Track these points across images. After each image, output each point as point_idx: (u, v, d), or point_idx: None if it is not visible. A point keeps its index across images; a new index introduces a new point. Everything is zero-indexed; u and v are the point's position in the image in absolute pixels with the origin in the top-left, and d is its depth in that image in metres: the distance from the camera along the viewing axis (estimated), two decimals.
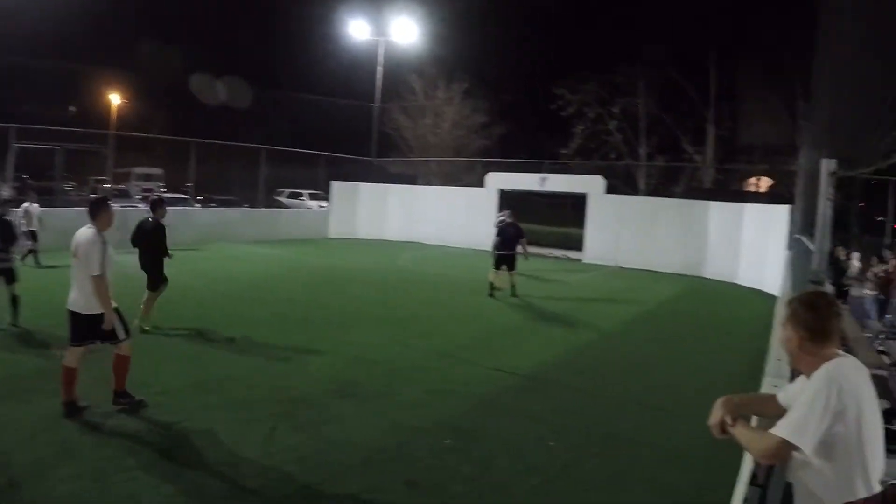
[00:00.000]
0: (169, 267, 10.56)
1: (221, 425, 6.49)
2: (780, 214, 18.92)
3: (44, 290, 11.71)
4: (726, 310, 16.33)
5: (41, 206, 16.69)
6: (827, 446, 2.54)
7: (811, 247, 5.35)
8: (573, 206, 29.82)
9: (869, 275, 15.98)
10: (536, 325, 12.86)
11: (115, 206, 7.74)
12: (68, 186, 30.41)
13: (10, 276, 9.98)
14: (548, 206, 32.08)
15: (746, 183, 36.35)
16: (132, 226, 10.39)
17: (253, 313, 12.05)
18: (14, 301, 9.90)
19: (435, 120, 39.32)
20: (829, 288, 4.77)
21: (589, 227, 25.45)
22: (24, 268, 12.59)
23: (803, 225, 10.06)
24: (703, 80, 34.65)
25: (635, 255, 23.69)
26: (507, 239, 15.57)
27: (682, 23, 33.55)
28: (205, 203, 30.98)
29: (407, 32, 34.86)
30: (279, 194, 38.19)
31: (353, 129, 35.76)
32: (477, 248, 26.32)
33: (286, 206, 35.55)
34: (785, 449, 2.56)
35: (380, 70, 34.47)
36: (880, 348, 6.17)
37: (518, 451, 6.37)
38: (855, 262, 16.77)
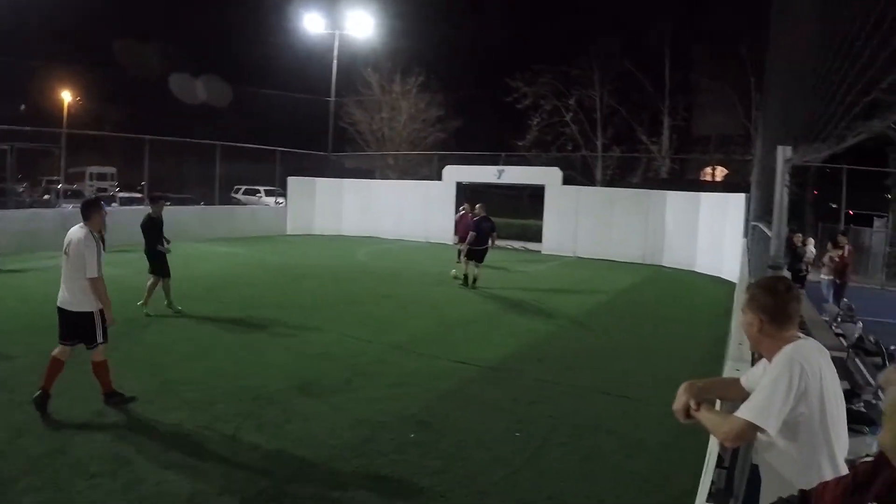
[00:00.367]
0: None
1: (185, 427, 6.40)
2: (736, 203, 19.21)
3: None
4: (686, 297, 16.56)
5: None
6: (791, 427, 2.56)
7: (768, 233, 5.41)
8: (531, 198, 30.03)
9: (825, 259, 16.28)
10: (497, 317, 12.88)
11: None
12: (20, 188, 29.77)
13: None
14: (505, 199, 32.22)
15: (703, 173, 36.81)
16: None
17: (211, 313, 11.89)
18: None
19: (391, 113, 39.15)
20: (786, 273, 4.83)
21: (547, 219, 25.64)
22: None
23: (760, 212, 10.20)
24: (658, 71, 34.96)
25: (594, 246, 23.90)
26: (484, 233, 15.67)
27: (637, 14, 33.88)
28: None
29: (362, 26, 34.68)
30: (236, 191, 37.70)
31: (309, 124, 35.46)
32: (435, 240, 26.41)
33: (243, 203, 35.14)
34: (749, 431, 2.58)
35: (335, 64, 34.22)
36: (838, 331, 6.28)
37: (484, 442, 6.37)
38: (811, 248, 17.08)
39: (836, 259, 15.76)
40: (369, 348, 9.87)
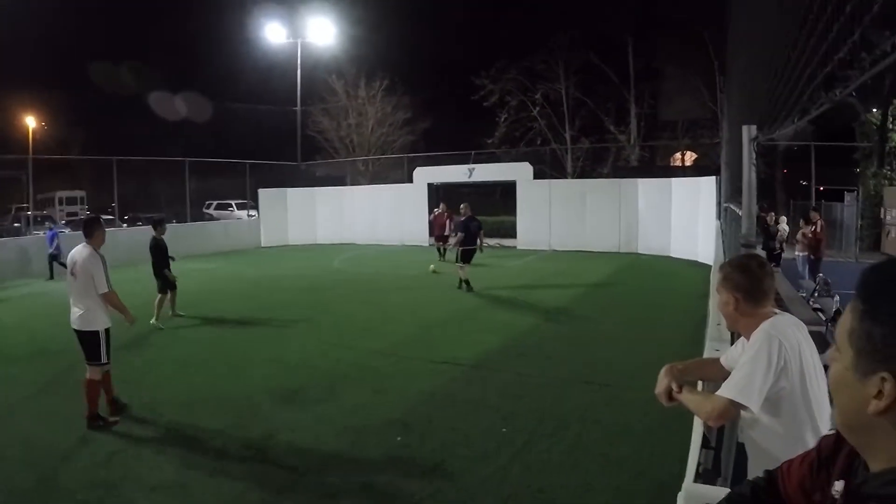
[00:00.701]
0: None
1: (170, 447, 6.32)
2: (707, 185, 19.36)
3: None
4: (662, 282, 16.65)
5: None
6: (773, 403, 2.57)
7: (739, 213, 5.44)
8: (503, 195, 30.04)
9: (798, 236, 16.43)
10: (476, 315, 12.87)
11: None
12: None
13: None
14: (477, 196, 32.17)
15: (672, 159, 37.09)
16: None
17: (190, 331, 11.79)
18: None
19: (358, 119, 39.18)
20: (761, 252, 4.86)
21: (520, 214, 25.72)
22: None
23: (730, 193, 10.28)
24: (622, 60, 35.17)
25: (568, 238, 24.00)
26: (472, 233, 15.65)
27: (596, 4, 33.98)
28: (131, 222, 30.15)
29: (323, 33, 34.63)
30: (208, 206, 37.36)
31: (277, 135, 35.33)
32: (410, 243, 26.39)
33: (216, 219, 34.87)
34: (732, 409, 2.58)
35: (299, 72, 34.09)
36: (815, 306, 6.32)
37: (470, 440, 6.35)
38: (784, 226, 17.23)
39: (809, 235, 15.91)
40: (350, 355, 9.81)
